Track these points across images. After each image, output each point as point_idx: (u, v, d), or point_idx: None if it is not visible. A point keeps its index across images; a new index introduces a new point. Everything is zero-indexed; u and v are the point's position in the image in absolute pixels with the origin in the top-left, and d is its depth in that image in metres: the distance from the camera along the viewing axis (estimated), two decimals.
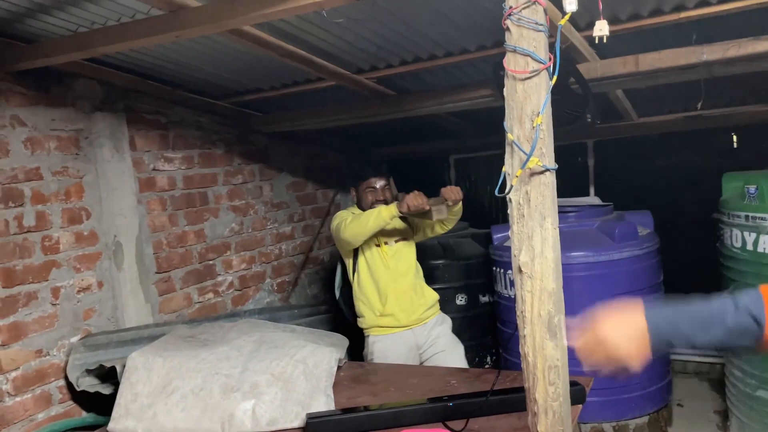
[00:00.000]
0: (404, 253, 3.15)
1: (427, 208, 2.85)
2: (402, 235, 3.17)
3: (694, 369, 4.45)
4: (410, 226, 3.21)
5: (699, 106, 3.21)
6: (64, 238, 2.77)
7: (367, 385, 2.73)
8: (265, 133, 4.03)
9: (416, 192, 2.85)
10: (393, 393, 2.59)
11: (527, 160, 1.52)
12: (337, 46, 2.73)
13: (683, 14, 2.44)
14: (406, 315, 3.09)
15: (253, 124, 3.90)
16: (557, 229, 1.61)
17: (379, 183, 3.14)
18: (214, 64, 2.96)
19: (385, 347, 3.12)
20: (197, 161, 3.53)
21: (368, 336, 3.16)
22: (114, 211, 2.97)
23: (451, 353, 3.14)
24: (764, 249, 2.95)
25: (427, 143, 4.82)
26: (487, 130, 4.47)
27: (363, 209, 3.13)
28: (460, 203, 2.96)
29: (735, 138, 4.27)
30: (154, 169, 3.24)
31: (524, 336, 1.65)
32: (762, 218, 2.95)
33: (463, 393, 2.42)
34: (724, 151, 4.28)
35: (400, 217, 3.03)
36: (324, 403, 2.40)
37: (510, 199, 1.62)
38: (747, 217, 3.05)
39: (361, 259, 3.14)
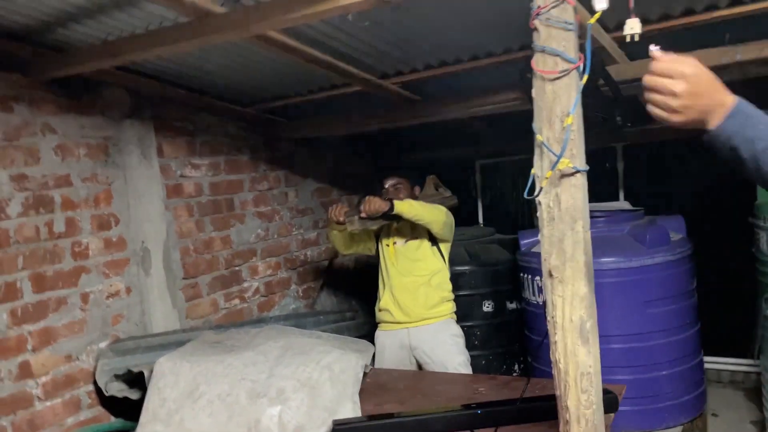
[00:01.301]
0: (412, 252, 3.17)
1: (342, 220, 3.00)
2: (413, 236, 3.18)
3: (728, 378, 4.33)
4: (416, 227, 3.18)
5: None
6: (93, 244, 2.80)
7: (394, 392, 2.71)
8: (291, 140, 4.04)
9: (337, 204, 3.09)
10: (419, 400, 2.56)
11: (557, 161, 1.49)
12: (362, 51, 2.72)
13: (716, 13, 2.39)
14: (400, 312, 3.14)
15: (279, 130, 3.91)
16: (588, 232, 1.57)
17: (389, 182, 3.19)
18: (240, 71, 2.98)
19: (383, 342, 3.22)
20: (223, 168, 3.55)
21: (376, 331, 3.29)
22: (142, 218, 3.00)
23: (445, 367, 3.08)
24: None
25: (453, 149, 4.79)
26: (513, 136, 4.41)
27: None
28: (415, 208, 2.97)
29: None
30: (181, 176, 3.27)
31: (555, 342, 1.61)
32: None
33: (491, 401, 2.38)
34: None
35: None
36: (351, 409, 2.38)
37: (539, 202, 1.59)
38: None
39: (380, 257, 3.27)
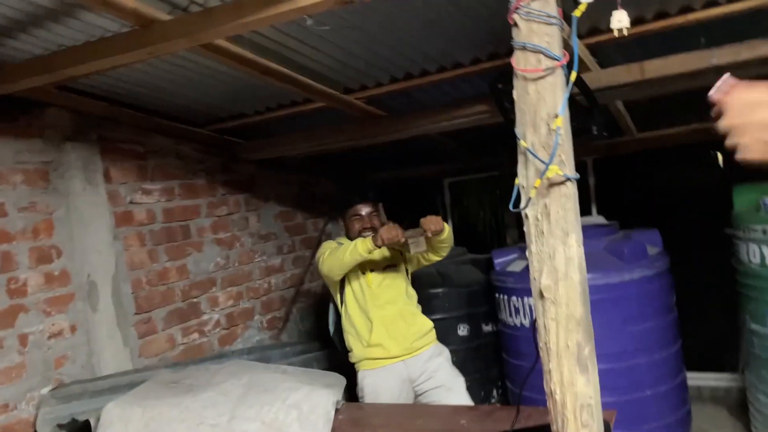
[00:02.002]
0: (393, 280, 2.98)
1: (402, 240, 2.68)
2: (390, 262, 3.00)
3: (709, 395, 4.23)
4: (402, 254, 3.03)
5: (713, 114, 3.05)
6: (32, 280, 2.54)
7: (369, 428, 2.49)
8: (251, 161, 3.84)
9: (390, 224, 2.71)
10: None
11: (546, 168, 1.33)
12: (323, 63, 2.56)
13: (690, 16, 2.30)
14: (395, 344, 2.88)
15: (238, 151, 3.71)
16: (582, 247, 1.41)
17: (365, 210, 3.00)
18: (193, 87, 2.79)
19: (376, 382, 2.90)
20: (178, 192, 3.33)
21: (359, 371, 2.96)
22: (88, 249, 2.75)
23: (451, 388, 2.90)
24: None
25: (420, 167, 4.65)
26: (482, 152, 4.31)
27: (351, 238, 2.97)
28: (448, 231, 2.80)
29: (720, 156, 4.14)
30: (131, 202, 3.03)
31: (549, 371, 1.44)
32: None
33: None
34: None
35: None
36: None
37: (526, 216, 1.43)
38: (765, 230, 2.88)
39: (347, 290, 2.98)
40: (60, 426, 2.45)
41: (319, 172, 4.56)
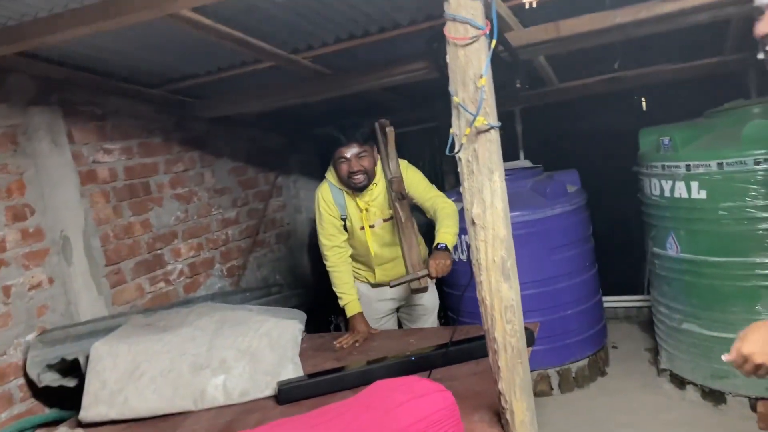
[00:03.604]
0: (392, 235, 2.98)
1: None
2: (390, 215, 2.95)
3: (623, 314, 4.80)
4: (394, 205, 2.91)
5: (616, 66, 3.45)
6: (10, 236, 2.72)
7: (330, 352, 2.85)
8: (204, 120, 4.03)
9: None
10: (356, 356, 2.72)
11: (474, 119, 1.66)
12: (271, 25, 2.76)
13: None
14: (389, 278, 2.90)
15: (191, 110, 3.88)
16: (504, 182, 1.76)
17: (351, 152, 2.78)
18: (148, 50, 2.94)
19: (361, 291, 3.10)
20: (137, 151, 3.50)
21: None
22: (59, 206, 2.94)
23: (428, 320, 3.24)
24: (680, 194, 3.24)
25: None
26: (420, 105, 4.62)
27: (339, 180, 2.91)
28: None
29: (644, 101, 4.63)
30: (94, 161, 3.20)
31: (480, 282, 1.81)
32: (676, 166, 3.24)
33: (424, 348, 2.58)
34: (639, 110, 4.61)
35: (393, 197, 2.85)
36: (292, 370, 2.50)
37: (459, 158, 1.77)
38: (663, 166, 3.34)
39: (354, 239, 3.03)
40: (49, 366, 2.68)
41: (270, 127, 4.76)
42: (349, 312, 2.96)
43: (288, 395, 2.33)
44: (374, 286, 3.16)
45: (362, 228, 2.95)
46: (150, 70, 3.29)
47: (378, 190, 2.95)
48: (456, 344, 2.43)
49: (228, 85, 3.67)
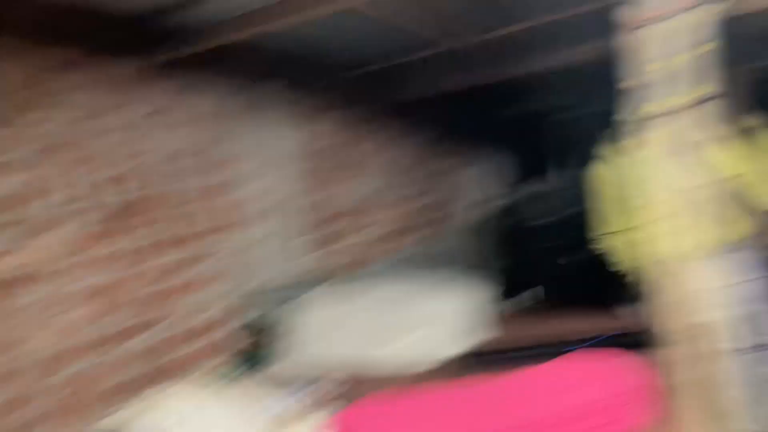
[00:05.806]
0: None
1: None
2: None
3: None
4: None
5: None
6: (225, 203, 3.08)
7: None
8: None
9: None
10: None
11: None
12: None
13: None
14: None
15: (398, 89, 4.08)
16: None
17: None
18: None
19: None
20: (344, 126, 3.91)
21: None
22: (276, 173, 3.38)
23: None
24: None
25: None
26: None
27: None
28: None
29: None
30: (309, 133, 3.64)
31: None
32: None
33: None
34: None
35: None
36: (481, 336, 2.64)
37: None
38: None
39: None
40: (253, 321, 3.00)
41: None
42: None
43: (479, 359, 2.45)
44: None
45: None
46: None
47: None
48: None
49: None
